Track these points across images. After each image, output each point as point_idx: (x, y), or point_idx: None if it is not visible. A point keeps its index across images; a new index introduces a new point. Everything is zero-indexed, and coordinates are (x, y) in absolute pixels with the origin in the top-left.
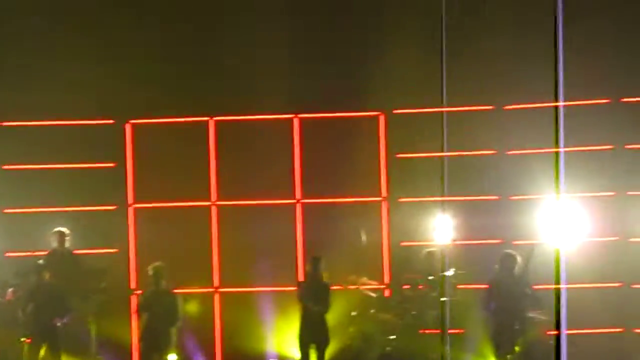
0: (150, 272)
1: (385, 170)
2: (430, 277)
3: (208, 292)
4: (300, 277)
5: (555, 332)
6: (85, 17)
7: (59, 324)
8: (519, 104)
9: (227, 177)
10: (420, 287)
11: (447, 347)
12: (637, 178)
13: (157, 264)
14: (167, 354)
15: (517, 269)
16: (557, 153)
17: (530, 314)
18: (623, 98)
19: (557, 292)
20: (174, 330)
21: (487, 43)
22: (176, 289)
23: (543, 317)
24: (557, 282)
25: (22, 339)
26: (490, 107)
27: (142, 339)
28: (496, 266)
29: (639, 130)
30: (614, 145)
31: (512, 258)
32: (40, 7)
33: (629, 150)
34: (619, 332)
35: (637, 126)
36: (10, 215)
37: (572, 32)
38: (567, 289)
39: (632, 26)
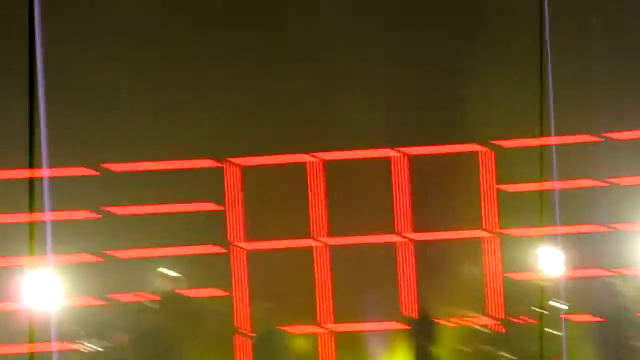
0: (260, 313)
1: (494, 203)
2: (539, 310)
3: (319, 331)
4: (411, 314)
5: None
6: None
7: None
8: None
9: (333, 216)
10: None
11: None
12: None
13: (266, 304)
14: None
15: (627, 299)
16: None
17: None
18: None
19: None
20: None
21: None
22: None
23: None
24: None
25: None
26: (597, 138)
27: None
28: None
29: None
30: None
31: (622, 289)
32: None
33: None
34: None
35: None
36: (118, 261)
37: None
38: None
39: None
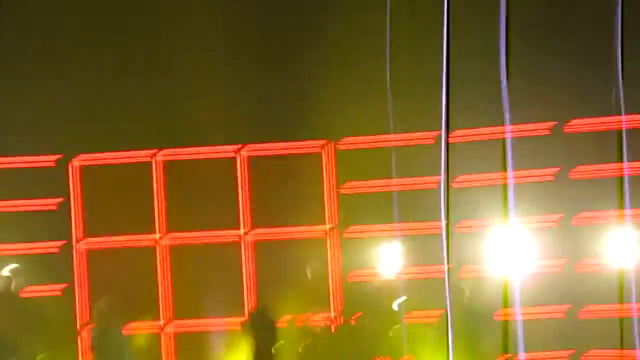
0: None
1: (333, 202)
2: (377, 308)
3: (155, 331)
4: (250, 312)
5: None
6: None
7: None
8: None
9: (177, 212)
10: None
11: None
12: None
13: (105, 301)
14: None
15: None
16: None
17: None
18: None
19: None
20: None
21: None
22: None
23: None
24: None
25: None
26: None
27: None
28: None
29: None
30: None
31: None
32: None
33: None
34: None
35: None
36: None
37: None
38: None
39: None
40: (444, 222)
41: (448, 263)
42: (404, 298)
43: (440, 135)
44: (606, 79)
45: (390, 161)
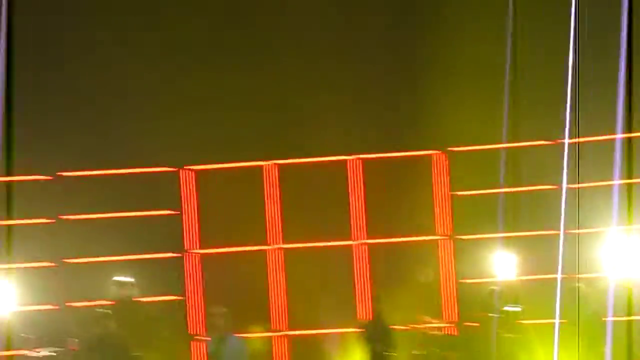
0: (215, 318)
1: (448, 208)
2: (492, 314)
3: (274, 335)
4: (364, 318)
5: None
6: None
7: None
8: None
9: (291, 220)
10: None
11: None
12: None
13: (221, 309)
14: None
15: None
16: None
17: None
18: None
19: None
20: None
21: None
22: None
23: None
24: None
25: None
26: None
27: None
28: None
29: None
30: None
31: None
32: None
33: None
34: None
35: None
36: (72, 266)
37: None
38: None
39: None
40: (562, 228)
41: (565, 269)
42: (519, 308)
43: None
44: None
45: (503, 166)
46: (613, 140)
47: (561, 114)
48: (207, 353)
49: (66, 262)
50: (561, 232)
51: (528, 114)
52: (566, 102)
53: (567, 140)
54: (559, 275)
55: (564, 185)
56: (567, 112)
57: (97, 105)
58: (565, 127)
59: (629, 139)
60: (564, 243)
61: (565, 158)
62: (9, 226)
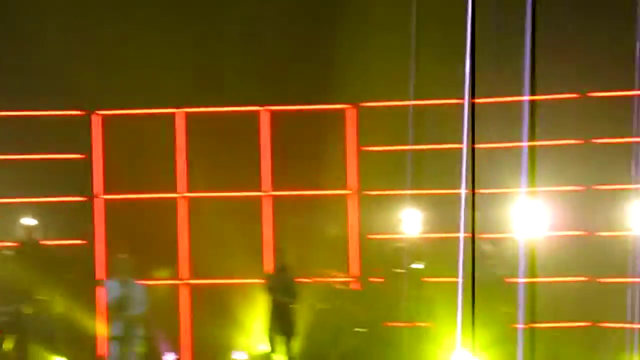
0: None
1: (355, 163)
2: (397, 270)
3: (176, 284)
4: (269, 270)
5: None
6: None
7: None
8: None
9: (198, 170)
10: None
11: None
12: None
13: (125, 255)
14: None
15: (488, 262)
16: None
17: (502, 307)
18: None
19: (528, 286)
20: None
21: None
22: (143, 280)
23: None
24: (530, 275)
25: None
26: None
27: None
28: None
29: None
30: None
31: (482, 250)
32: None
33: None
34: (586, 325)
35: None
36: None
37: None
38: (537, 282)
39: None
40: (464, 188)
41: (467, 228)
42: (421, 265)
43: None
44: None
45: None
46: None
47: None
48: (108, 298)
49: None
50: (462, 191)
51: (435, 72)
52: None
53: (467, 100)
54: (461, 235)
55: (465, 144)
56: (466, 71)
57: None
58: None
59: (533, 102)
60: (469, 203)
61: (465, 117)
62: None
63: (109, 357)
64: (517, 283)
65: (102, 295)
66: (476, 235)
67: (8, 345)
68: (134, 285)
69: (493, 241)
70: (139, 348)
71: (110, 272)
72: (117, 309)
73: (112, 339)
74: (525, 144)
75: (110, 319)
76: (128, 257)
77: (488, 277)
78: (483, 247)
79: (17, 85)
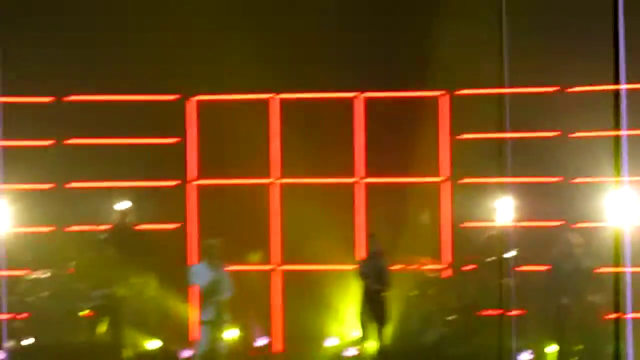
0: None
1: (447, 151)
2: (490, 259)
3: (268, 270)
4: (361, 257)
5: (616, 316)
6: None
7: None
8: (581, 86)
9: (290, 155)
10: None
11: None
12: None
13: (213, 240)
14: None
15: (577, 252)
16: (618, 136)
17: (591, 297)
18: None
19: (619, 275)
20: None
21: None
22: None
23: (604, 301)
24: (618, 264)
25: (83, 313)
26: (554, 89)
27: None
28: (556, 249)
29: None
30: None
31: (572, 240)
32: None
33: None
34: None
35: None
36: (72, 191)
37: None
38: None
39: None
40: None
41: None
42: (514, 252)
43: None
44: None
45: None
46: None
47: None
48: (199, 282)
49: (66, 186)
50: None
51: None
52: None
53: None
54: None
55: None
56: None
57: (100, 29)
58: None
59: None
60: (565, 191)
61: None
62: (8, 147)
63: (200, 341)
64: (606, 274)
65: (193, 279)
66: (569, 224)
67: (102, 327)
68: (223, 270)
69: (581, 231)
70: (227, 333)
71: (201, 257)
72: (207, 294)
73: (202, 323)
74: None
75: (200, 303)
76: (218, 241)
77: (575, 267)
78: (571, 237)
79: (115, 71)
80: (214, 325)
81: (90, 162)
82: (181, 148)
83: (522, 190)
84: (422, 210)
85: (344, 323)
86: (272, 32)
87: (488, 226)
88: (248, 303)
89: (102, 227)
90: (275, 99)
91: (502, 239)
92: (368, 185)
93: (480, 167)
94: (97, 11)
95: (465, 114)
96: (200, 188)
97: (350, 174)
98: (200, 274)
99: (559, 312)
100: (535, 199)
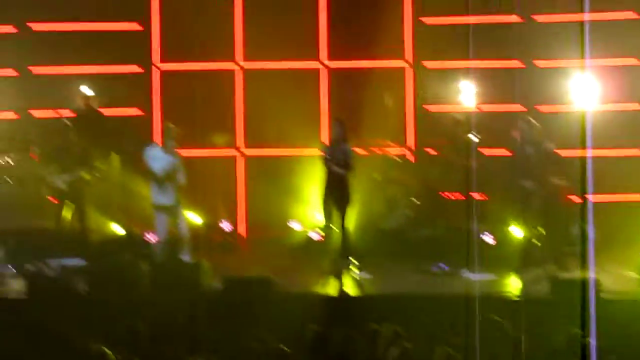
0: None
1: (411, 34)
2: (452, 142)
3: (231, 154)
4: (325, 141)
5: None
6: None
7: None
8: None
9: (253, 37)
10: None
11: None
12: None
13: (168, 124)
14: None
15: (538, 135)
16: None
17: (554, 180)
18: None
19: (583, 158)
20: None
21: None
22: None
23: (566, 183)
24: (583, 146)
25: (48, 198)
26: None
27: None
28: (516, 132)
29: None
30: None
31: (532, 124)
32: None
33: None
34: None
35: None
36: (36, 75)
37: None
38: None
39: None
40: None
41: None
42: (478, 137)
43: None
44: None
45: None
46: None
47: None
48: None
49: (30, 71)
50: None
51: None
52: None
53: None
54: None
55: None
56: None
57: None
58: None
59: None
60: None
61: None
62: None
63: (157, 227)
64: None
65: (149, 162)
66: (530, 108)
67: (67, 213)
68: (177, 154)
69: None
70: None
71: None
72: (161, 178)
73: (157, 207)
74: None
75: (158, 188)
76: (173, 126)
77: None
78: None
79: None
80: (169, 210)
81: (54, 47)
82: (146, 34)
83: (485, 74)
84: (386, 95)
85: (308, 207)
86: None
87: (451, 110)
88: (212, 188)
89: (65, 112)
90: None
91: (466, 122)
92: (332, 70)
93: (444, 50)
94: None
95: None
96: (164, 73)
97: (314, 58)
98: (155, 157)
99: (521, 195)
100: (498, 83)
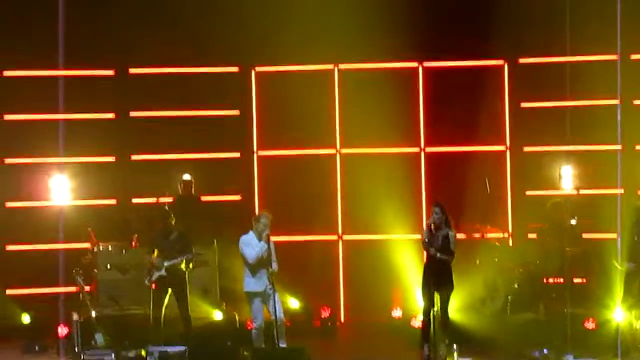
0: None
1: (509, 119)
2: (554, 226)
3: (331, 240)
4: (425, 226)
5: None
6: None
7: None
8: None
9: (351, 126)
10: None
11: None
12: None
13: (263, 212)
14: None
15: None
16: None
17: None
18: None
19: None
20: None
21: None
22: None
23: None
24: None
25: (148, 283)
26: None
27: None
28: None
29: None
30: None
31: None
32: None
33: None
34: None
35: None
36: (135, 163)
37: None
38: None
39: None
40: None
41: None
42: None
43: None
44: None
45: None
46: None
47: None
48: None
49: (128, 158)
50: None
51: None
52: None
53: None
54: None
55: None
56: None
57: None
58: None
59: None
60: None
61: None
62: (69, 120)
63: (253, 314)
64: None
65: (243, 249)
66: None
67: (166, 299)
68: (270, 242)
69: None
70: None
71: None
72: (255, 265)
73: (250, 294)
74: None
75: (251, 275)
76: (267, 213)
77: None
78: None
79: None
80: (262, 296)
81: (152, 133)
82: (243, 119)
83: (583, 158)
84: (486, 179)
85: (408, 292)
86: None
87: (551, 194)
88: (311, 274)
89: (166, 199)
90: (336, 69)
91: (566, 206)
92: (431, 154)
93: (542, 134)
94: None
95: (527, 82)
96: (263, 159)
97: (413, 144)
98: (249, 244)
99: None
100: (595, 166)
